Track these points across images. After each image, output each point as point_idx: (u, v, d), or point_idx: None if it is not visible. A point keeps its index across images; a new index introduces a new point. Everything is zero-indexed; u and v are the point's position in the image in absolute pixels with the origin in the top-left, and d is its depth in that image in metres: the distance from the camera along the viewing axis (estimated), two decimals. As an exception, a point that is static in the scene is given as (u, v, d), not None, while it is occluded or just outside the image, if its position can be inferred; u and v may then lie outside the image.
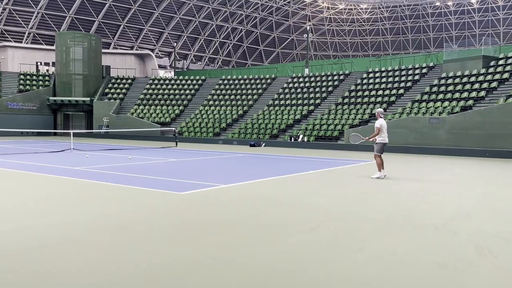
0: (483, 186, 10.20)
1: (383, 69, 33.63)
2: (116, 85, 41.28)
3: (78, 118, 40.30)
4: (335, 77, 35.48)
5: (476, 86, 25.00)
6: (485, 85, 24.64)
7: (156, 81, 41.81)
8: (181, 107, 37.74)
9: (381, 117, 11.55)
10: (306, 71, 38.67)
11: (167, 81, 41.81)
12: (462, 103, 23.94)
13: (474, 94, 24.29)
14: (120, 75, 43.26)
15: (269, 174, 11.75)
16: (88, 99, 38.59)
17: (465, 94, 24.77)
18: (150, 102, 38.94)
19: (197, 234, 5.33)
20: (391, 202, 7.72)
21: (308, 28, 45.62)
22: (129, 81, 42.13)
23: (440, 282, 3.77)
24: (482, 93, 23.93)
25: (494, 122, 20.57)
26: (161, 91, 40.23)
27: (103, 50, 43.71)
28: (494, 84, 24.29)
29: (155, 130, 32.90)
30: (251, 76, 40.12)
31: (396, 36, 72.84)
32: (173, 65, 50.82)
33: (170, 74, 52.16)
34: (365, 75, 33.78)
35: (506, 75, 24.48)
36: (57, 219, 6.00)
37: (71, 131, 22.07)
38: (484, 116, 20.90)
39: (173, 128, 29.50)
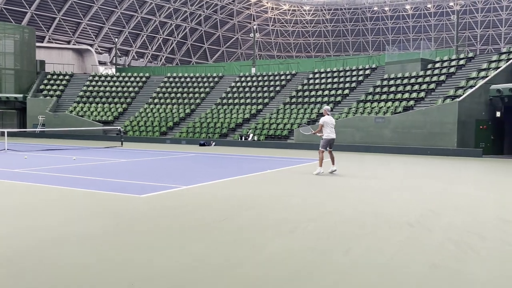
0: (438, 183, 10.60)
1: (328, 69, 34.43)
2: (52, 81, 38.80)
3: (9, 116, 37.37)
4: (282, 77, 35.81)
5: (416, 87, 26.29)
6: (424, 86, 25.97)
7: (96, 78, 39.85)
8: (124, 105, 36.25)
9: (328, 114, 11.93)
10: (253, 70, 38.69)
11: (108, 78, 39.99)
12: (404, 103, 25.06)
13: (414, 95, 25.52)
14: (56, 70, 40.72)
15: (228, 174, 11.46)
16: (21, 95, 35.93)
17: (406, 95, 25.95)
18: (91, 99, 37.03)
19: (173, 241, 4.95)
20: (360, 201, 7.75)
21: (254, 27, 45.73)
22: (67, 77, 39.79)
23: (443, 283, 3.72)
24: (422, 94, 25.20)
25: (434, 122, 21.70)
26: (102, 88, 38.40)
27: (37, 44, 40.94)
28: (432, 86, 25.67)
29: (97, 129, 31.30)
30: (197, 74, 39.46)
31: (337, 38, 75.14)
32: (114, 62, 48.76)
33: (111, 70, 50.01)
34: (311, 75, 34.41)
35: (442, 77, 25.97)
36: (2, 232, 5.33)
37: (5, 130, 20.32)
38: (425, 116, 21.99)
39: (118, 127, 28.21)
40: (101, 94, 37.67)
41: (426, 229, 5.64)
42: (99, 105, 36.18)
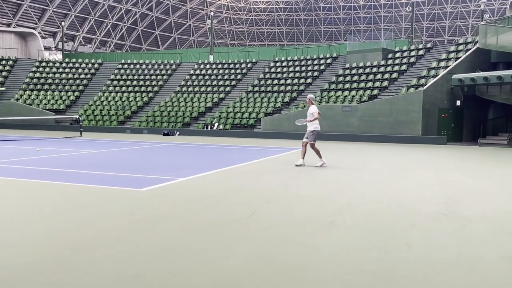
0: (430, 171, 10.69)
1: (289, 58, 34.32)
2: (-7, 67, 35.73)
3: None
4: (243, 65, 35.25)
5: (379, 76, 26.81)
6: (386, 75, 26.54)
7: (43, 64, 37.17)
8: (76, 93, 34.14)
9: (313, 104, 11.29)
10: (211, 58, 37.81)
11: (57, 64, 37.45)
12: (368, 92, 25.47)
13: (378, 84, 26.00)
14: (-3, 55, 37.52)
15: (217, 165, 10.90)
16: (-42, 82, 32.76)
17: (369, 84, 26.39)
18: (39, 87, 34.52)
19: (218, 241, 4.42)
20: (370, 191, 7.54)
21: (208, 13, 44.58)
22: (10, 62, 36.79)
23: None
24: (385, 83, 25.73)
25: (400, 110, 22.22)
26: (50, 75, 35.89)
27: (-26, 26, 37.43)
28: (394, 75, 26.28)
29: (48, 118, 29.21)
30: (153, 61, 37.93)
31: (290, 27, 75.39)
32: (62, 47, 45.75)
33: (56, 56, 46.93)
34: (272, 64, 34.16)
35: (404, 67, 26.66)
36: None
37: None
38: (391, 104, 22.45)
39: (76, 116, 26.42)
40: (49, 81, 35.21)
41: (464, 219, 5.49)
42: (48, 92, 33.81)
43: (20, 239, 4.40)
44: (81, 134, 22.52)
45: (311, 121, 11.05)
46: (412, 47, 29.10)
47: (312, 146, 10.96)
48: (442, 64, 24.27)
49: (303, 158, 10.96)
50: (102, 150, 14.56)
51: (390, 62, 28.01)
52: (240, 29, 75.95)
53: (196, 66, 36.49)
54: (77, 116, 25.54)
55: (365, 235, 4.72)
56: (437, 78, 22.28)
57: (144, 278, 3.39)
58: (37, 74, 35.70)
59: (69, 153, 13.48)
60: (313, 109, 11.13)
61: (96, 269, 3.56)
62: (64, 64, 37.35)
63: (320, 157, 10.93)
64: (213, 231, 4.82)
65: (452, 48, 26.05)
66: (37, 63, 37.02)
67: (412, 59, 27.06)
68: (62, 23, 49.14)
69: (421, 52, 27.53)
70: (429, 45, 28.86)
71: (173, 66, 37.02)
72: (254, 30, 76.16)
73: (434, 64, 24.90)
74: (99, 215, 5.46)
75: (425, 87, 21.88)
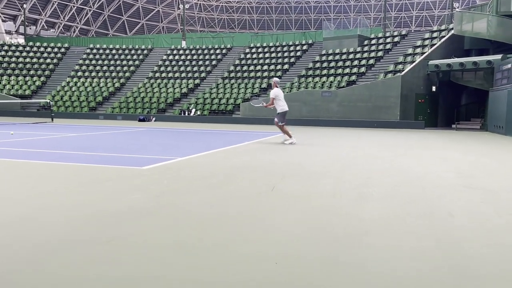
0: (424, 150, 10.75)
1: (264, 44, 33.99)
2: (-50, 50, 33.48)
3: None
4: (217, 51, 34.65)
5: (356, 62, 26.97)
6: (363, 62, 26.73)
7: (5, 47, 35.17)
8: (42, 78, 32.56)
9: (277, 87, 11.56)
10: (183, 43, 36.96)
11: (20, 48, 35.53)
12: (346, 78, 25.58)
13: (355, 70, 26.15)
14: (-46, 37, 35.17)
15: (212, 146, 10.53)
16: None
17: (347, 70, 26.50)
18: (1, 71, 32.66)
19: (260, 219, 4.14)
20: (384, 168, 7.43)
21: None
22: (-31, 45, 34.60)
23: None
24: (363, 69, 25.92)
25: (378, 96, 22.44)
26: (13, 59, 34.04)
27: None
28: (371, 61, 26.50)
29: (14, 103, 27.70)
30: (124, 46, 36.66)
31: (261, 15, 74.87)
32: (24, 31, 43.45)
33: (17, 40, 44.54)
34: (247, 50, 33.75)
35: (380, 53, 26.93)
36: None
37: None
38: (370, 90, 22.63)
39: (47, 101, 25.14)
40: (13, 65, 33.40)
41: (489, 190, 5.45)
42: (12, 77, 32.08)
43: (63, 208, 3.96)
44: (52, 120, 21.44)
45: (265, 106, 11.82)
46: (387, 34, 29.42)
47: (280, 127, 11.40)
48: (418, 50, 24.66)
49: (291, 137, 11.35)
50: (81, 134, 13.85)
51: (366, 48, 28.21)
52: (210, 16, 74.75)
53: (169, 52, 35.58)
54: (48, 101, 24.30)
55: (401, 205, 4.56)
56: (414, 64, 22.61)
57: (203, 242, 3.08)
58: (-1, 58, 33.79)
59: (47, 136, 12.72)
60: (272, 93, 11.43)
61: (157, 234, 3.22)
62: (28, 48, 35.49)
63: (290, 136, 11.38)
64: (246, 203, 4.53)
65: (427, 35, 26.51)
66: (-1, 47, 35.01)
67: (388, 46, 27.37)
68: (24, 5, 46.66)
69: (396, 39, 27.87)
70: (404, 32, 29.27)
71: (145, 52, 35.94)
72: (225, 17, 75.16)
73: (410, 51, 25.26)
74: (117, 190, 5.04)
75: (403, 73, 22.16)
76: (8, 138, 11.59)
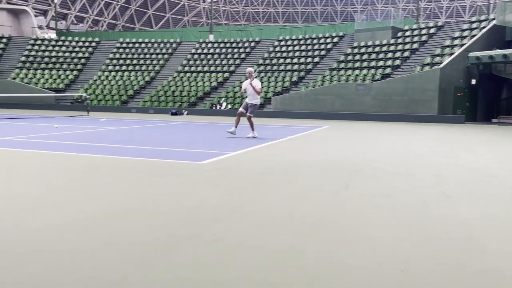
0: (473, 145, 10.33)
1: (293, 37, 33.56)
2: (-13, 45, 34.29)
3: None
4: (246, 44, 34.41)
5: (390, 55, 26.30)
6: (398, 54, 26.04)
7: (39, 42, 35.80)
8: (75, 72, 33.01)
9: (255, 76, 11.13)
10: (211, 37, 36.84)
11: (52, 42, 36.09)
12: (380, 70, 24.99)
13: (389, 62, 25.52)
14: (-10, 32, 36.01)
15: (256, 141, 10.36)
16: (-49, 60, 31.36)
17: (381, 63, 25.89)
18: (35, 65, 33.28)
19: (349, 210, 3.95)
20: (449, 163, 7.11)
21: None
22: (4, 40, 35.34)
23: None
24: (398, 62, 25.26)
25: (415, 89, 21.81)
26: (47, 54, 34.61)
27: (-35, 1, 35.77)
28: (406, 54, 25.80)
29: (49, 97, 28.18)
30: (153, 40, 36.82)
31: (286, 7, 74.18)
32: (55, 25, 44.17)
33: (48, 35, 45.30)
34: (276, 43, 33.38)
35: (416, 45, 26.18)
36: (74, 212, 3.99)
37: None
38: (407, 83, 22.02)
39: (84, 95, 25.45)
40: (46, 59, 33.97)
41: None
42: (46, 71, 32.63)
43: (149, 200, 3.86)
44: (88, 113, 21.69)
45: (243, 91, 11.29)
46: (423, 25, 28.58)
47: (249, 119, 11.00)
48: (457, 42, 23.84)
49: (236, 127, 11.11)
50: (122, 127, 13.89)
51: (400, 40, 27.48)
52: (235, 9, 74.47)
53: (197, 45, 35.54)
54: (84, 95, 24.59)
55: (486, 205, 4.28)
56: (453, 56, 21.87)
57: (306, 252, 2.91)
58: (33, 53, 34.41)
59: (90, 129, 12.81)
60: (257, 83, 11.04)
61: (252, 235, 3.07)
62: (60, 43, 36.03)
63: (253, 129, 11.04)
64: (326, 203, 4.33)
65: (465, 26, 25.61)
66: (32, 41, 35.64)
67: (424, 37, 26.57)
68: (55, 0, 47.44)
69: (432, 31, 27.04)
70: (440, 23, 28.37)
71: (173, 45, 36.00)
72: (249, 10, 74.75)
73: (448, 42, 24.46)
74: (186, 185, 4.92)
75: (441, 65, 21.46)
76: (54, 131, 11.69)
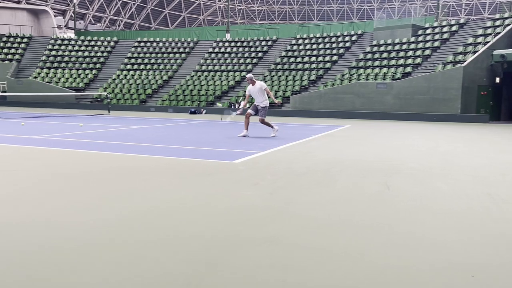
0: (504, 146, 10.09)
1: (311, 35, 33.37)
2: (9, 45, 34.85)
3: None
4: (263, 43, 34.32)
5: (410, 53, 25.94)
6: (418, 52, 25.67)
7: (59, 42, 36.27)
8: (94, 71, 33.36)
9: (255, 81, 11.23)
10: (227, 36, 36.84)
11: (72, 42, 36.53)
12: (401, 69, 24.66)
13: (410, 61, 25.16)
14: (12, 32, 36.57)
15: (284, 140, 10.28)
16: (-25, 60, 31.97)
17: (401, 61, 25.55)
18: (55, 65, 33.72)
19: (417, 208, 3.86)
20: (482, 165, 6.95)
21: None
22: (25, 40, 35.89)
23: None
24: (418, 60, 24.90)
25: (438, 87, 21.47)
26: (66, 53, 35.04)
27: (-13, 2, 36.45)
28: (427, 52, 25.41)
29: (69, 96, 28.53)
30: (170, 39, 36.99)
31: (302, 6, 73.84)
32: (74, 25, 44.73)
33: (66, 35, 45.87)
34: (294, 41, 33.22)
35: (437, 43, 25.76)
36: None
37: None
38: (429, 82, 21.69)
39: (105, 94, 25.71)
40: (66, 59, 34.39)
41: None
42: (66, 71, 33.04)
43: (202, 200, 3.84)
44: (109, 112, 21.88)
45: (244, 105, 11.76)
46: (444, 23, 28.12)
47: (263, 121, 11.13)
48: (480, 39, 23.39)
49: (247, 129, 11.03)
50: (146, 126, 13.95)
51: (420, 38, 27.08)
52: (250, 7, 74.41)
53: (214, 44, 35.59)
54: (106, 94, 24.82)
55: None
56: (477, 54, 21.46)
57: (364, 255, 2.83)
58: (53, 52, 34.87)
59: (115, 128, 12.89)
60: (262, 84, 11.22)
61: (307, 236, 3.01)
62: (79, 42, 36.45)
63: (272, 126, 11.13)
64: (373, 204, 4.24)
65: (489, 23, 25.11)
66: (52, 41, 36.13)
67: (445, 35, 26.14)
68: (74, 0, 47.98)
69: (454, 28, 26.58)
70: (462, 20, 27.89)
71: (191, 44, 36.12)
72: (265, 8, 74.62)
73: (470, 40, 24.01)
74: (225, 185, 4.88)
75: (465, 64, 21.08)
76: (80, 130, 11.79)
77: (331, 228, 3.37)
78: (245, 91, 29.07)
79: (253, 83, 11.16)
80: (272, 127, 11.09)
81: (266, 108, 11.19)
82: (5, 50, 33.83)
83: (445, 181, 5.36)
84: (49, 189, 4.65)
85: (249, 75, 11.37)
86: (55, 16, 53.13)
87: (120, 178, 5.29)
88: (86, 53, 35.20)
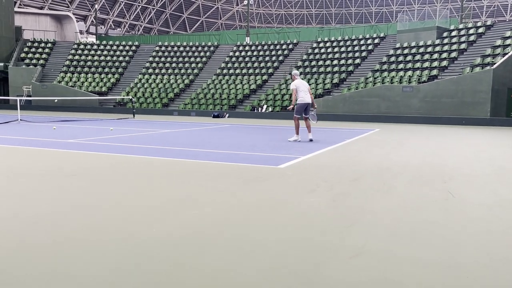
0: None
1: (332, 38, 33.14)
2: (34, 49, 35.47)
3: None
4: (284, 46, 34.22)
5: (436, 56, 25.51)
6: (444, 55, 25.23)
7: (82, 46, 36.78)
8: (116, 76, 33.71)
9: (297, 78, 10.83)
10: (247, 39, 36.84)
11: (94, 47, 37.01)
12: (427, 72, 24.26)
13: (436, 63, 24.74)
14: (36, 38, 37.23)
15: (320, 145, 10.11)
16: (1, 64, 32.57)
17: (426, 64, 25.14)
18: (79, 69, 34.18)
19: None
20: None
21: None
22: (49, 45, 36.49)
23: None
24: (445, 63, 24.46)
25: (466, 90, 21.04)
26: (89, 58, 35.51)
27: (12, 8, 37.13)
28: (454, 54, 24.95)
29: (92, 100, 28.85)
30: (191, 43, 37.18)
31: (320, 9, 73.61)
32: (95, 30, 45.33)
33: (88, 40, 46.55)
34: (315, 45, 33.04)
35: (463, 46, 25.28)
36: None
37: (18, 98, 17.97)
38: (457, 85, 21.27)
39: (130, 97, 25.92)
40: (89, 63, 34.85)
41: None
42: (89, 75, 33.46)
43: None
44: (133, 116, 22.01)
45: (290, 108, 10.96)
46: (470, 25, 27.61)
47: (294, 119, 10.65)
48: (508, 41, 22.86)
49: (297, 134, 10.64)
50: (175, 130, 13.94)
51: (446, 41, 26.62)
52: (268, 11, 74.49)
53: (234, 48, 35.63)
54: (130, 98, 25.01)
55: None
56: (507, 56, 20.97)
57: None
58: (76, 57, 35.36)
59: (146, 132, 12.90)
60: (292, 85, 10.74)
61: (395, 246, 2.85)
62: (102, 47, 36.90)
63: (296, 133, 10.62)
64: (447, 216, 4.06)
65: (517, 25, 24.57)
66: (75, 46, 36.65)
67: (472, 37, 25.63)
68: (95, 6, 48.68)
69: (480, 30, 26.06)
70: (488, 22, 27.34)
71: (211, 48, 36.24)
72: (282, 12, 74.60)
73: (498, 42, 23.50)
74: (282, 189, 4.75)
75: (494, 66, 20.61)
76: (112, 134, 11.82)
77: (413, 236, 3.20)
78: (268, 94, 28.48)
79: (294, 79, 10.88)
80: (296, 133, 10.62)
81: (298, 106, 10.60)
82: (29, 55, 34.43)
83: (502, 188, 5.14)
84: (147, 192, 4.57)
85: (295, 71, 11.08)
86: (77, 21, 54.05)
87: (180, 183, 5.20)
88: (108, 58, 35.61)
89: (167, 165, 6.58)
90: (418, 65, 25.49)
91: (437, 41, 26.92)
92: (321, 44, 32.75)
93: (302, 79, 29.23)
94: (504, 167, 6.88)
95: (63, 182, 5.17)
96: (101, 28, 53.74)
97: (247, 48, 35.27)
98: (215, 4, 71.15)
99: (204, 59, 35.00)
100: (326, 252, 2.86)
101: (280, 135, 12.70)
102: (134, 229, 3.30)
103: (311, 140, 10.50)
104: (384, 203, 4.31)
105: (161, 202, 4.22)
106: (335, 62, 29.97)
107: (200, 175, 5.71)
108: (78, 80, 32.52)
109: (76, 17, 55.26)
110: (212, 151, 8.41)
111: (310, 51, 32.37)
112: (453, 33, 27.23)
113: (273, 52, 33.80)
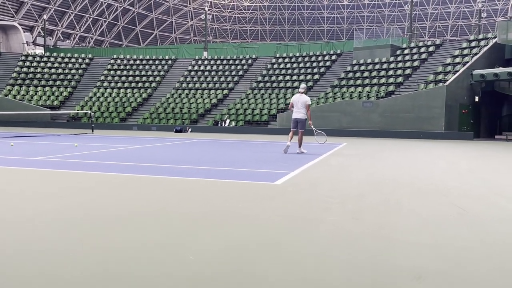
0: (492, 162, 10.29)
1: (290, 54, 33.73)
2: (-24, 61, 33.23)
3: None
4: (243, 61, 34.37)
5: (391, 72, 26.60)
6: (399, 71, 26.36)
7: (30, 58, 34.95)
8: (69, 89, 32.25)
9: (298, 93, 11.37)
10: (205, 54, 36.70)
11: (44, 59, 35.30)
12: (384, 88, 25.20)
13: (392, 80, 25.77)
14: (-21, 48, 34.95)
15: (302, 160, 10.07)
16: None
17: (382, 80, 26.13)
18: (27, 82, 32.37)
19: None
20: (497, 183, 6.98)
21: (190, 11, 43.33)
22: (-6, 56, 34.35)
23: None
24: (400, 79, 25.54)
25: (422, 106, 22.02)
26: (39, 70, 33.78)
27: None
28: (408, 71, 26.14)
29: (45, 114, 27.33)
30: (148, 57, 36.43)
31: (273, 26, 74.97)
32: (43, 42, 43.31)
33: (35, 51, 44.35)
34: (274, 60, 33.47)
35: (416, 63, 26.57)
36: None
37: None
38: (413, 100, 22.23)
39: (88, 112, 24.71)
40: (38, 76, 33.12)
41: None
42: (39, 88, 31.76)
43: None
44: (92, 131, 21.04)
45: (310, 124, 11.77)
46: (420, 43, 29.12)
47: (302, 134, 11.51)
48: (458, 60, 24.30)
49: (289, 141, 11.41)
50: (145, 146, 13.40)
51: (399, 58, 27.88)
52: (223, 27, 74.79)
53: (193, 62, 35.33)
54: (89, 112, 23.89)
55: None
56: (458, 73, 22.23)
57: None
58: (24, 69, 33.51)
59: (113, 148, 12.29)
60: (306, 98, 11.27)
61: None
62: (52, 59, 35.25)
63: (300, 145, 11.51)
64: (472, 227, 4.07)
65: (464, 44, 26.19)
66: (23, 57, 34.77)
67: (424, 55, 27.02)
68: (44, 16, 46.65)
69: (431, 49, 27.54)
70: (438, 41, 28.97)
71: (169, 62, 35.70)
72: (237, 28, 75.19)
73: (449, 60, 24.91)
74: (299, 206, 4.58)
75: (447, 83, 21.77)
76: (78, 151, 11.14)
77: (469, 257, 3.15)
78: (230, 109, 28.30)
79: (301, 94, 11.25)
80: (299, 146, 11.46)
81: (304, 122, 11.25)
82: (-28, 67, 32.21)
83: (507, 201, 5.29)
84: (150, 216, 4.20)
85: (302, 85, 11.48)
86: (23, 32, 51.41)
87: (200, 201, 4.89)
88: (59, 70, 34.06)
89: (173, 184, 6.21)
90: (375, 81, 26.45)
91: (391, 59, 28.12)
92: (280, 60, 33.22)
93: (263, 94, 29.47)
94: (489, 180, 7.14)
95: (83, 199, 4.70)
96: (50, 39, 51.46)
97: (206, 62, 35.08)
98: (169, 18, 70.52)
99: (162, 72, 34.38)
100: (390, 274, 2.72)
101: (253, 150, 12.56)
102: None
103: (299, 153, 11.26)
104: (406, 220, 4.26)
105: (196, 222, 3.92)
106: (295, 77, 30.46)
107: (211, 195, 5.43)
108: (27, 94, 30.77)
109: (22, 28, 52.63)
110: (199, 167, 8.10)
111: (269, 66, 32.71)
112: (406, 51, 28.60)
113: (232, 67, 33.84)
